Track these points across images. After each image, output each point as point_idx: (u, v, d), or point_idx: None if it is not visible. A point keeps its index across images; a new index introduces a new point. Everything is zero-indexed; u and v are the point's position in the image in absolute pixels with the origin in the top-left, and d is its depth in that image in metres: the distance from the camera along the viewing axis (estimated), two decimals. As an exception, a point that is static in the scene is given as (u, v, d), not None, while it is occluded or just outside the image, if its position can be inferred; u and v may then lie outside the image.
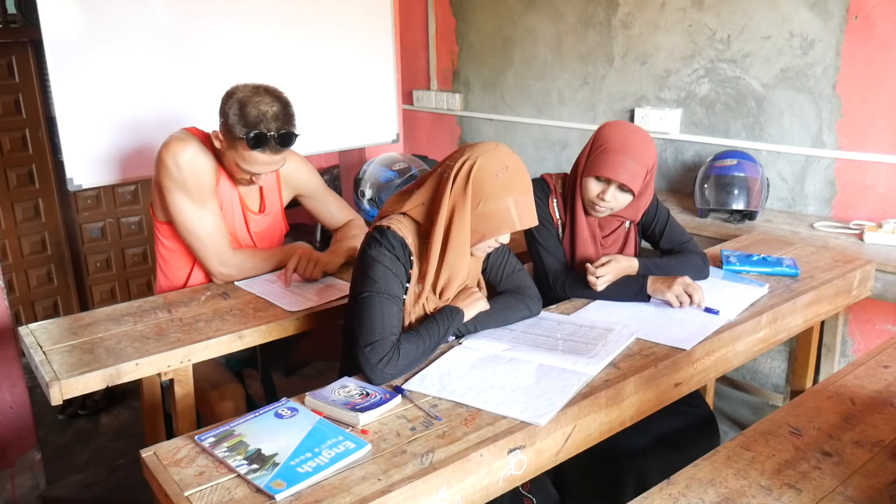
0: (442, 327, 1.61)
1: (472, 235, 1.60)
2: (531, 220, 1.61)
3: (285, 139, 1.93)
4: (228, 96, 1.93)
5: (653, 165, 1.89)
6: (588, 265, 1.88)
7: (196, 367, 1.77)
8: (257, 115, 1.88)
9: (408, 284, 1.63)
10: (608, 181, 1.86)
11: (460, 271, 1.64)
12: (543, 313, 1.83)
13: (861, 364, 1.67)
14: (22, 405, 2.47)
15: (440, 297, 1.69)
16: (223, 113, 1.93)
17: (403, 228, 1.62)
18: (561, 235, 2.00)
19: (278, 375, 2.49)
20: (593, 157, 1.88)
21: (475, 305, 1.69)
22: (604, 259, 1.89)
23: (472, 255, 1.65)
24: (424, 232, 1.63)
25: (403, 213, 1.65)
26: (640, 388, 1.56)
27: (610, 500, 1.86)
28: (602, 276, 1.86)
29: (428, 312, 1.67)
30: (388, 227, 1.61)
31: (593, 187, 1.89)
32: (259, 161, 1.94)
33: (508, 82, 3.77)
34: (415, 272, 1.64)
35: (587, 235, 1.97)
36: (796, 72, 2.76)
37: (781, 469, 1.27)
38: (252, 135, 1.88)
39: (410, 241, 1.62)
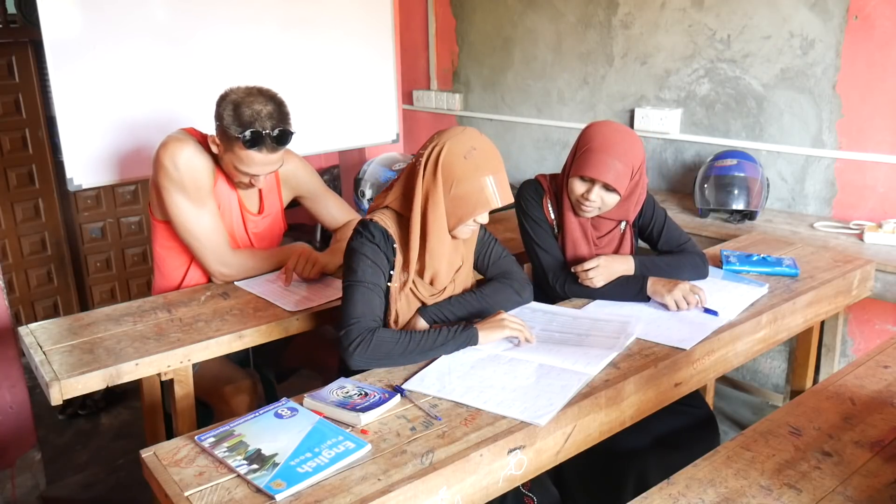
0: (442, 338, 1.58)
1: (449, 219, 1.62)
2: (506, 198, 1.63)
3: (281, 137, 1.93)
4: (222, 99, 1.95)
5: (640, 165, 1.89)
6: (576, 268, 1.89)
7: (206, 364, 1.77)
8: (252, 114, 1.89)
9: (392, 272, 1.65)
10: (592, 181, 1.86)
11: (444, 256, 1.66)
12: (557, 308, 1.85)
13: (861, 364, 1.67)
14: (22, 405, 2.47)
15: (431, 284, 1.70)
16: (218, 116, 1.94)
17: (386, 220, 1.66)
18: (556, 235, 2.01)
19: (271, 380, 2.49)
20: (578, 156, 1.89)
21: (494, 330, 1.63)
22: (591, 263, 1.89)
23: (455, 237, 1.67)
24: (407, 222, 1.65)
25: (386, 207, 1.68)
26: (640, 388, 1.56)
27: (610, 500, 1.86)
28: (592, 273, 1.86)
29: (421, 300, 1.70)
30: (371, 220, 1.65)
31: (578, 187, 1.89)
32: (256, 161, 1.94)
33: (508, 82, 3.77)
34: (399, 260, 1.66)
35: (578, 235, 1.98)
36: (796, 72, 2.76)
37: (781, 469, 1.27)
38: (248, 134, 1.88)
39: (393, 230, 1.65)
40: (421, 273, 1.67)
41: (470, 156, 1.58)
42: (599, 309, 1.87)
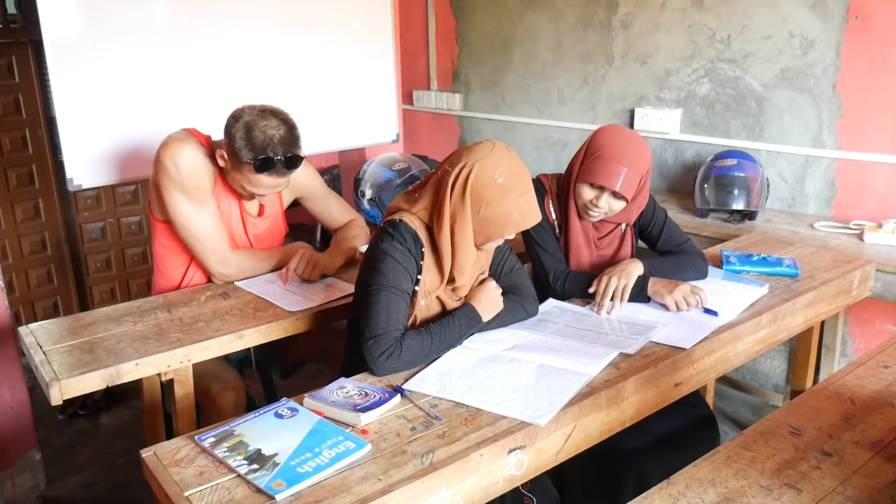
0: (457, 330, 1.62)
1: (477, 237, 1.62)
2: (534, 218, 1.64)
3: (291, 162, 1.94)
4: (235, 119, 1.93)
5: (647, 171, 1.90)
6: (598, 302, 1.85)
7: (197, 363, 1.77)
8: (264, 139, 1.89)
9: (419, 276, 1.64)
10: (602, 188, 1.86)
11: (468, 268, 1.67)
12: (586, 310, 1.86)
13: (861, 364, 1.67)
14: (22, 405, 2.47)
15: (454, 291, 1.71)
16: (228, 135, 1.93)
17: (415, 221, 1.64)
18: (558, 235, 2.01)
19: (275, 377, 2.48)
20: (587, 163, 1.88)
21: (492, 307, 1.70)
22: (607, 281, 1.87)
23: (481, 250, 1.68)
24: (432, 231, 1.65)
25: (411, 213, 1.67)
26: (640, 388, 1.56)
27: (610, 500, 1.86)
28: (620, 288, 1.84)
29: (444, 303, 1.69)
30: (401, 221, 1.63)
31: (587, 193, 1.89)
32: (265, 184, 1.95)
33: (508, 82, 3.77)
34: (426, 263, 1.64)
35: (581, 239, 1.98)
36: (796, 72, 2.76)
37: (781, 469, 1.27)
38: (259, 159, 1.89)
39: (422, 234, 1.64)
40: (447, 283, 1.68)
41: (499, 179, 1.57)
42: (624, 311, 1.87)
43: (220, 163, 1.99)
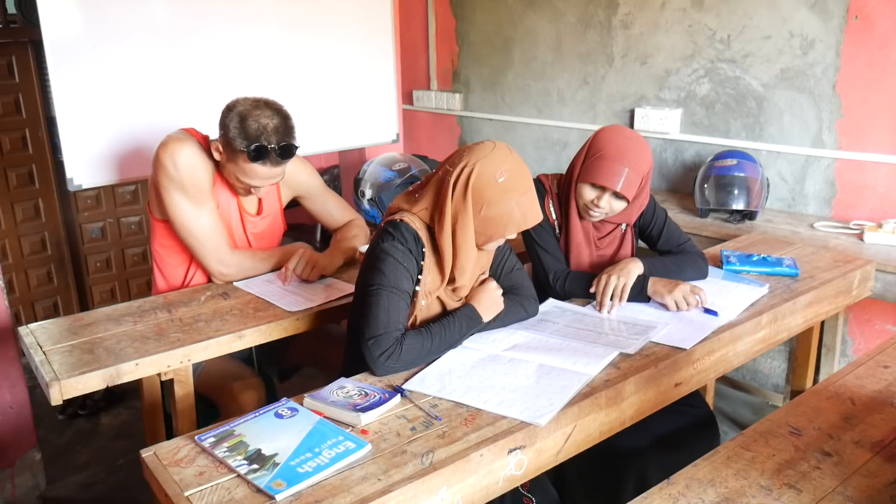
0: (457, 330, 1.61)
1: (478, 237, 1.62)
2: (536, 218, 1.64)
3: (285, 151, 1.94)
4: (229, 110, 1.94)
5: (648, 171, 1.90)
6: (600, 300, 1.86)
7: (213, 362, 1.78)
8: (258, 127, 1.89)
9: (419, 276, 1.64)
10: (603, 188, 1.86)
11: (469, 268, 1.67)
12: (586, 310, 1.86)
13: (861, 364, 1.67)
14: (22, 405, 2.47)
15: (454, 292, 1.71)
16: (223, 126, 1.94)
17: (416, 221, 1.64)
18: (558, 235, 2.01)
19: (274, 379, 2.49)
20: (589, 163, 1.88)
21: (493, 307, 1.70)
22: (606, 280, 1.87)
23: (482, 250, 1.68)
24: (433, 232, 1.65)
25: (414, 214, 1.67)
26: (640, 388, 1.56)
27: (610, 500, 1.86)
28: (619, 287, 1.85)
29: (444, 303, 1.69)
30: (402, 221, 1.63)
31: (588, 193, 1.89)
32: (259, 174, 1.95)
33: (508, 82, 3.77)
34: (427, 264, 1.64)
35: (581, 239, 1.98)
36: (796, 72, 2.76)
37: (781, 469, 1.27)
38: (252, 147, 1.89)
39: (423, 234, 1.64)
40: (448, 283, 1.69)
41: (500, 178, 1.57)
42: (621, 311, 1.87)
43: (216, 156, 1.99)
